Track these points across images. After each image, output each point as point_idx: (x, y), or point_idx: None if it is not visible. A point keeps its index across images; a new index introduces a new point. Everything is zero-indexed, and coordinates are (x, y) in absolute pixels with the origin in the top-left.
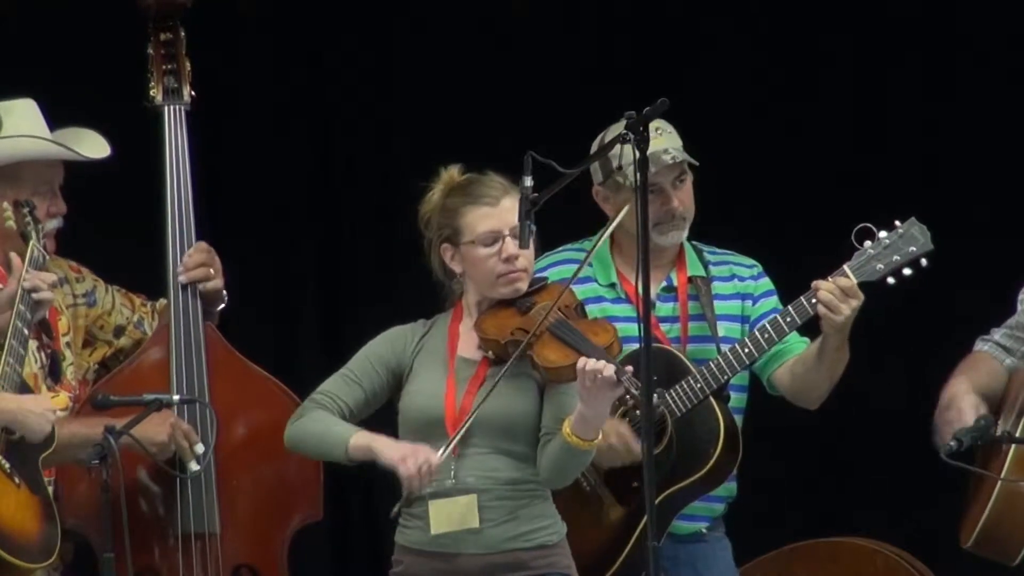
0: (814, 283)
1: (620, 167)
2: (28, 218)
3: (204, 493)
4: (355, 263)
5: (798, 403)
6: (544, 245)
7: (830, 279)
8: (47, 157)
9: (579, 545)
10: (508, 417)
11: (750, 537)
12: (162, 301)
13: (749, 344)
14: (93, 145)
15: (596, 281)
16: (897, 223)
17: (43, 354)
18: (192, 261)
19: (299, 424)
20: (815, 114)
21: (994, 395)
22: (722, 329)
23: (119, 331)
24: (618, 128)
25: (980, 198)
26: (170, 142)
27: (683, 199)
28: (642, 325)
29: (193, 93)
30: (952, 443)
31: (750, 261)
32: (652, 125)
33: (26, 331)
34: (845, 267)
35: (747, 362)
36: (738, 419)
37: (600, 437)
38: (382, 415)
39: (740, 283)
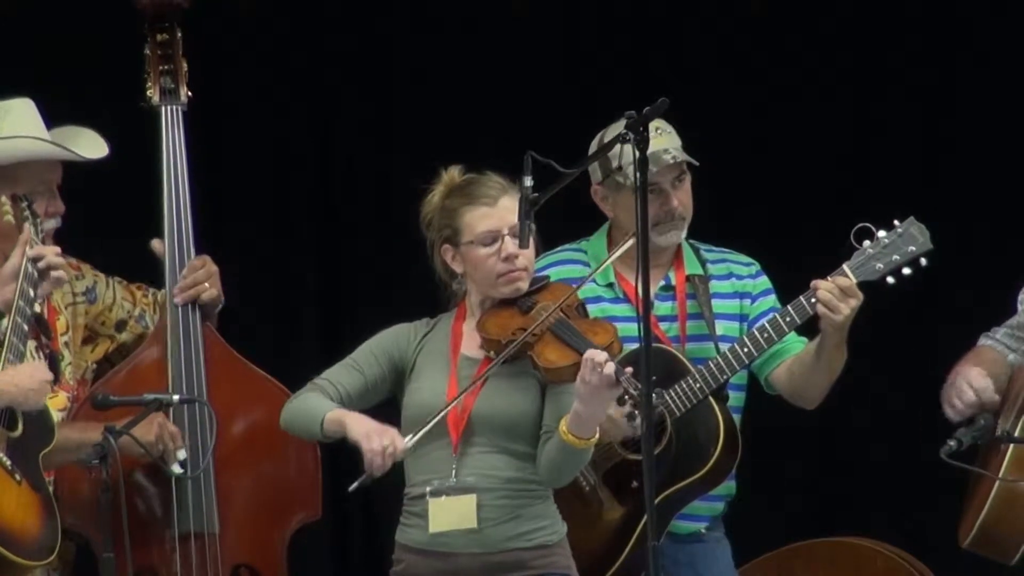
0: (813, 283)
1: (620, 167)
2: (27, 212)
3: (203, 493)
4: (355, 263)
5: (796, 403)
6: (543, 245)
7: (829, 278)
8: (45, 157)
9: (579, 545)
10: (509, 416)
11: (750, 537)
12: (164, 291)
13: (748, 343)
14: (91, 145)
15: (594, 281)
16: (896, 223)
17: (41, 354)
18: (185, 284)
19: (290, 403)
20: (814, 114)
21: (999, 384)
22: (720, 328)
23: (121, 325)
24: (617, 128)
25: (980, 199)
26: (167, 143)
27: (682, 199)
28: (642, 325)
29: (190, 94)
30: (952, 443)
31: (748, 260)
32: (652, 125)
33: (28, 310)
34: (844, 267)
35: (746, 361)
36: (737, 418)
37: (597, 435)
38: (385, 413)
39: (738, 281)
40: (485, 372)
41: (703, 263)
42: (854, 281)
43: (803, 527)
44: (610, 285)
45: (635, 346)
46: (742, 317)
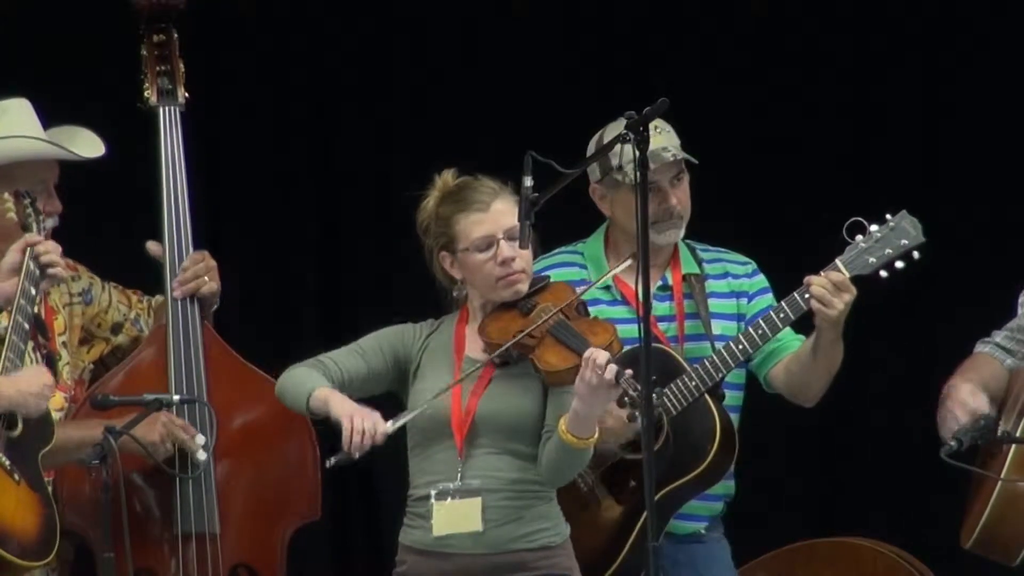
0: (806, 279)
1: (621, 166)
2: (29, 209)
3: (204, 493)
4: (355, 263)
5: (795, 400)
6: (542, 247)
7: (822, 273)
8: (42, 156)
9: (577, 545)
10: (513, 418)
11: (750, 537)
12: (158, 298)
13: (743, 341)
14: (88, 144)
15: (592, 282)
16: (888, 216)
17: (39, 355)
18: (185, 277)
19: (289, 371)
20: (814, 114)
21: (995, 394)
22: (717, 327)
23: (116, 328)
24: (616, 126)
25: (980, 199)
26: (165, 143)
27: (680, 198)
28: (643, 326)
29: (187, 94)
30: (952, 443)
31: (744, 259)
32: (651, 124)
33: (30, 308)
34: (837, 261)
35: (741, 358)
36: (735, 418)
37: (596, 435)
38: (385, 414)
39: (734, 281)
40: (469, 372)
41: (699, 263)
42: (847, 275)
43: (803, 527)
44: (607, 288)
45: (633, 346)
46: (739, 316)
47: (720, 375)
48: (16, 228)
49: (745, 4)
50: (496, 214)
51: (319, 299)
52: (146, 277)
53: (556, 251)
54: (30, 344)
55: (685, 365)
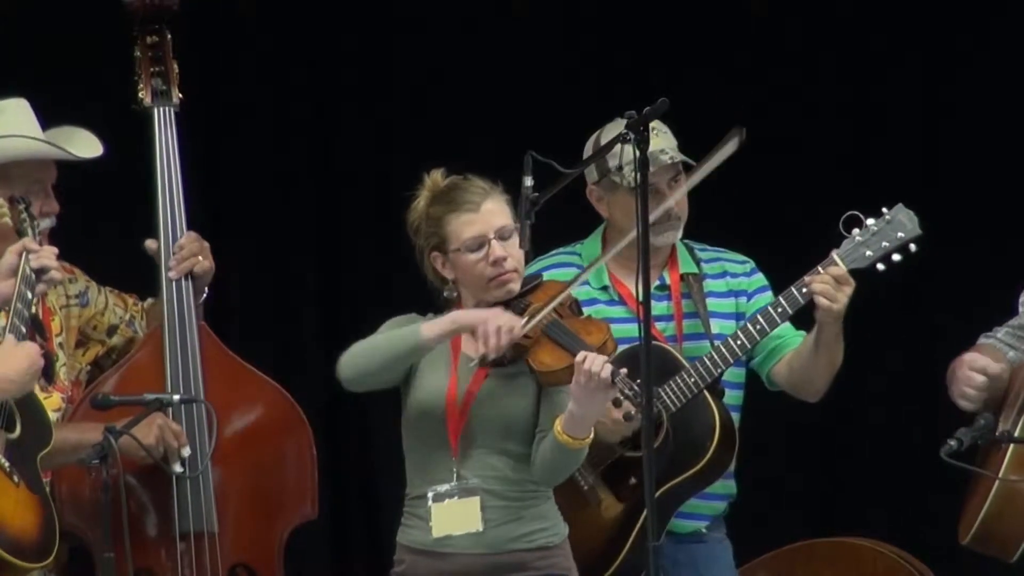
0: (805, 277)
1: (620, 167)
2: (24, 214)
3: (202, 493)
4: (355, 263)
5: (798, 396)
6: (541, 245)
7: (820, 268)
8: (39, 156)
9: (578, 544)
10: (508, 417)
11: (750, 537)
12: (150, 300)
13: (741, 336)
14: (85, 144)
15: (588, 284)
16: (884, 209)
17: None
18: (181, 255)
19: (349, 354)
20: (814, 113)
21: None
22: (716, 326)
23: (112, 330)
24: (614, 127)
25: (980, 199)
26: (160, 144)
27: (678, 199)
28: (643, 327)
29: (181, 95)
30: (952, 443)
31: (742, 258)
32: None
33: (26, 312)
34: (833, 254)
35: (739, 354)
36: (735, 417)
37: (592, 435)
38: (384, 414)
39: (732, 280)
40: (541, 314)
41: (697, 262)
42: (845, 269)
43: (803, 527)
44: (604, 288)
45: (630, 345)
46: (738, 315)
47: (719, 371)
48: (11, 232)
49: (745, 4)
50: (487, 214)
51: (319, 299)
52: (143, 277)
53: (553, 252)
54: None
55: (684, 362)
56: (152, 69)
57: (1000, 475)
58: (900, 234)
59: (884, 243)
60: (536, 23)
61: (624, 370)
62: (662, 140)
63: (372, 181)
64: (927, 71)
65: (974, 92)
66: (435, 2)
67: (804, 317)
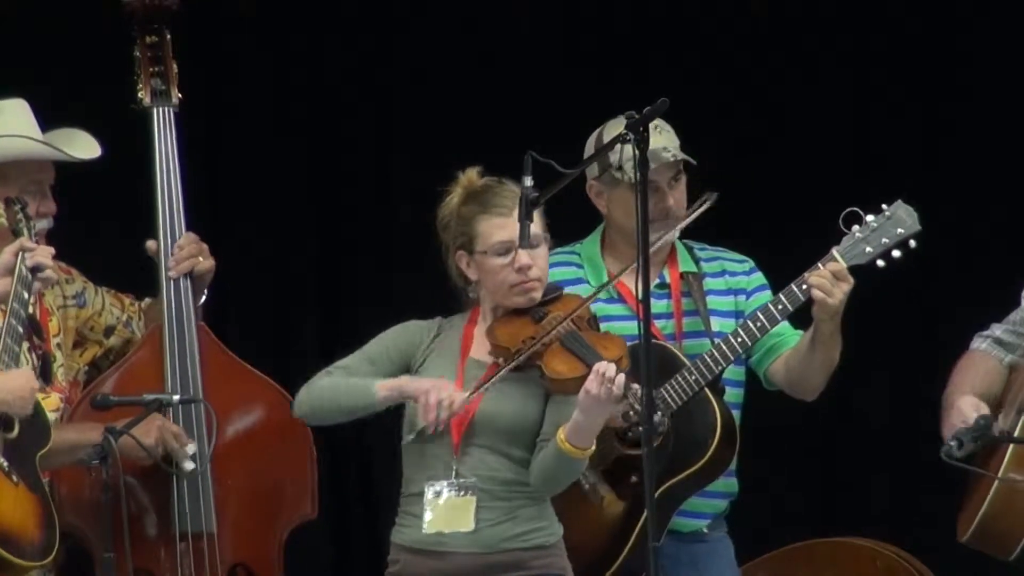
0: (805, 274)
1: (621, 166)
2: (20, 215)
3: (201, 493)
4: (355, 263)
5: (795, 394)
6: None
7: (820, 264)
8: (37, 157)
9: (580, 544)
10: (513, 421)
11: (750, 537)
12: (147, 300)
13: (741, 333)
14: (84, 146)
15: (588, 283)
16: (884, 206)
17: (34, 355)
18: (180, 255)
19: (311, 389)
20: (813, 112)
21: (992, 395)
22: (716, 324)
23: (109, 331)
24: (616, 124)
25: (981, 197)
26: (159, 144)
27: (678, 198)
28: (643, 327)
29: (180, 95)
30: (952, 443)
31: (741, 257)
32: (651, 123)
33: (23, 312)
34: (833, 251)
35: (740, 351)
36: (736, 415)
37: (593, 447)
38: (385, 414)
39: (732, 278)
40: (490, 380)
41: (696, 261)
42: (844, 265)
43: (803, 527)
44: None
45: (631, 343)
46: (737, 314)
47: (720, 368)
48: (6, 233)
49: (745, 4)
50: (518, 221)
51: (319, 299)
52: (142, 278)
53: (553, 251)
54: (25, 345)
55: (684, 359)
56: (151, 69)
57: (999, 475)
58: (900, 230)
59: (884, 239)
60: (536, 23)
61: (636, 386)
62: (664, 138)
63: (372, 181)
64: (927, 71)
65: (974, 91)
66: (435, 2)
67: (803, 317)
